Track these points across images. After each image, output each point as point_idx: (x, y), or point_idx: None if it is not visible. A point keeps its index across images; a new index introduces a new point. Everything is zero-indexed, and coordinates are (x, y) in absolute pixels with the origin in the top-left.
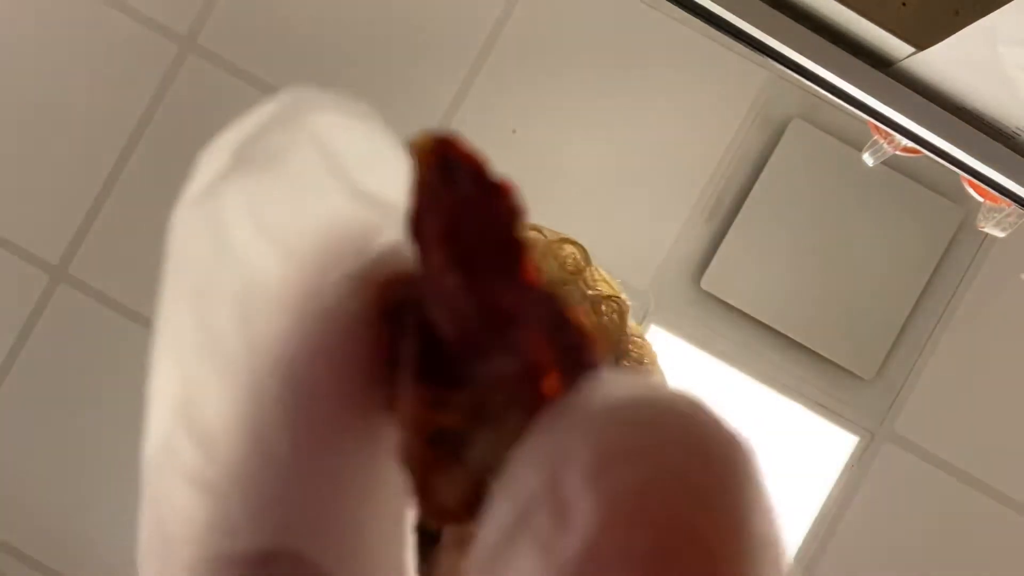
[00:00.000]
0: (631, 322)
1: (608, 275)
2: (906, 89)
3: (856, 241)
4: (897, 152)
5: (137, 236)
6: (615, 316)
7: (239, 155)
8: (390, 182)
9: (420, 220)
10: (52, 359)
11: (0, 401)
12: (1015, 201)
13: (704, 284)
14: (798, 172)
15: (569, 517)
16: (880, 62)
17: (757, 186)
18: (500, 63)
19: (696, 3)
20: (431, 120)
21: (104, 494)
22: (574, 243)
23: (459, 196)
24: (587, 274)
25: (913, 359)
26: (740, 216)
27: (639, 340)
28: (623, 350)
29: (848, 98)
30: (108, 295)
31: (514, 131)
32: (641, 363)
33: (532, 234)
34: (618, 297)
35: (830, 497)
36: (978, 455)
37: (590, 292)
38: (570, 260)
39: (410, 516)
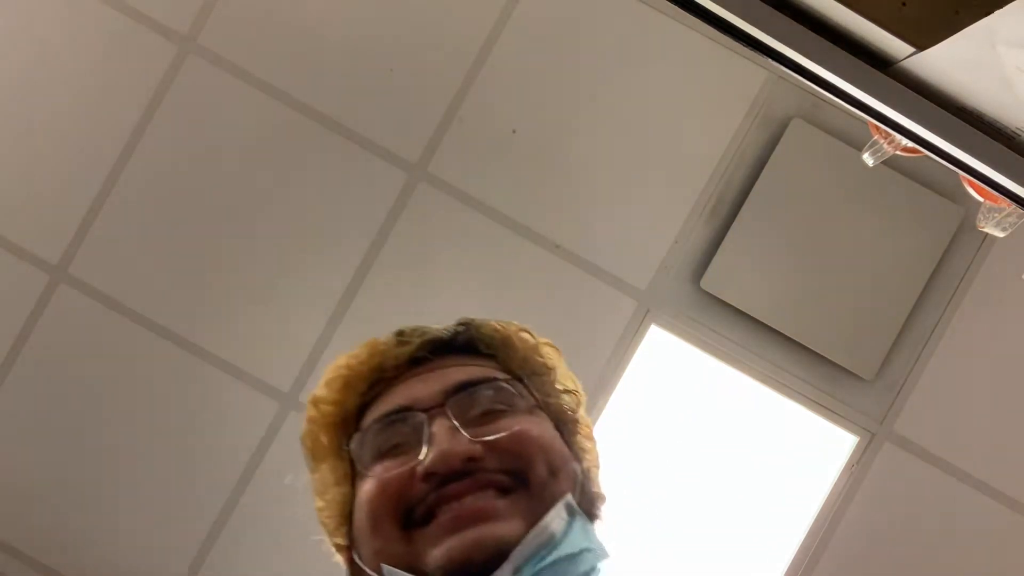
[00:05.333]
0: (582, 411)
1: (571, 373)
2: (906, 89)
3: (856, 241)
4: (897, 152)
5: (137, 236)
6: (573, 405)
7: None
8: None
9: None
10: (52, 359)
11: (0, 401)
12: (1015, 201)
13: (704, 284)
14: (798, 172)
15: None
16: (880, 62)
17: (757, 186)
18: (500, 63)
19: (696, 3)
20: (432, 120)
21: (104, 494)
22: (552, 346)
23: None
24: (559, 371)
25: (913, 359)
26: (740, 216)
27: (586, 428)
28: (573, 431)
29: (848, 98)
30: (108, 295)
31: (514, 131)
32: (589, 440)
33: (524, 335)
34: (577, 391)
35: (830, 497)
36: (978, 455)
37: (558, 385)
38: (549, 359)
39: None
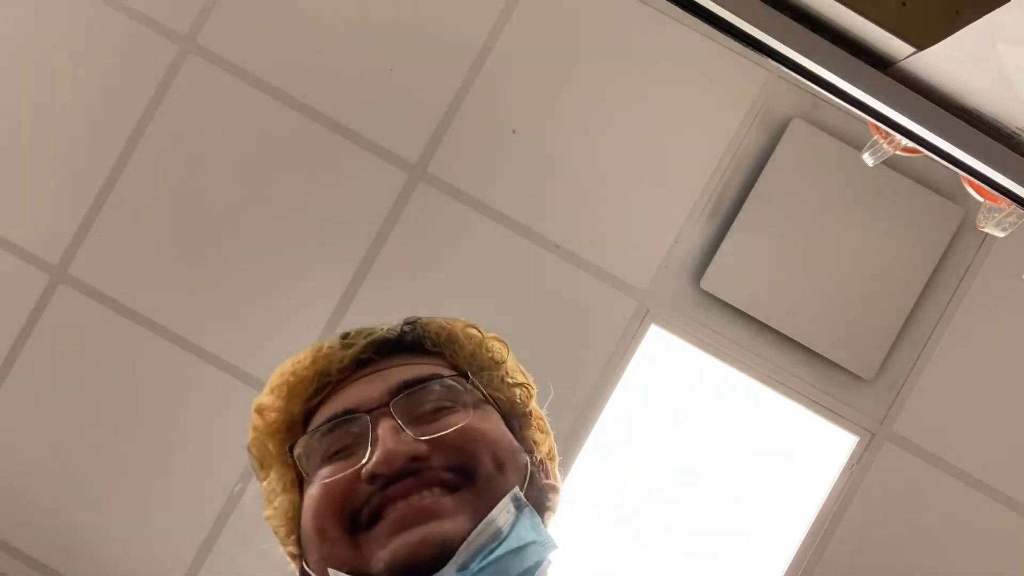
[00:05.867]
0: (534, 404)
1: (521, 366)
2: (906, 89)
3: (856, 241)
4: (897, 152)
5: (137, 236)
6: (524, 398)
7: None
8: None
9: None
10: (52, 359)
11: (0, 401)
12: (1015, 201)
13: (704, 284)
14: (798, 172)
15: None
16: (880, 62)
17: (757, 186)
18: (500, 63)
19: (696, 3)
20: (432, 120)
21: (104, 494)
22: (500, 340)
23: None
24: (508, 364)
25: (913, 359)
26: (740, 216)
27: (539, 420)
28: (525, 424)
29: (848, 98)
30: (108, 295)
31: (514, 131)
32: (542, 432)
33: (470, 330)
34: (528, 384)
35: (830, 497)
36: (978, 455)
37: (508, 379)
38: (497, 353)
39: None
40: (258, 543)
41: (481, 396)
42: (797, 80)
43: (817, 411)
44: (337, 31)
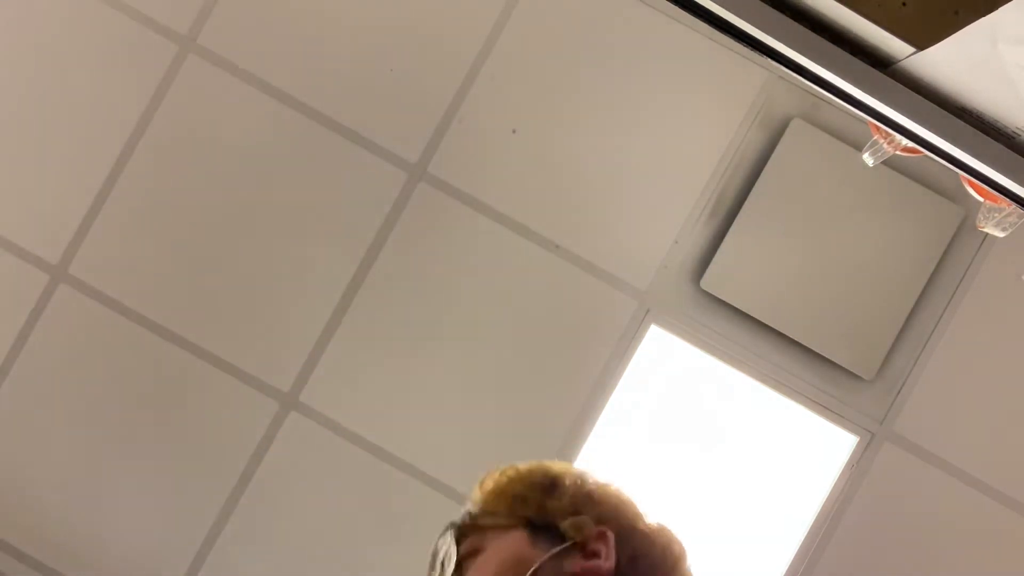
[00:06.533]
0: (544, 503)
1: (499, 488)
2: (906, 89)
3: (856, 241)
4: (897, 152)
5: (137, 236)
6: (517, 512)
7: None
8: None
9: None
10: (52, 359)
11: (0, 401)
12: (1015, 201)
13: (704, 284)
14: (798, 172)
15: None
16: (880, 62)
17: (757, 186)
18: (500, 63)
19: (696, 3)
20: (432, 120)
21: (104, 494)
22: (479, 484)
23: None
24: (480, 501)
25: (913, 359)
26: (740, 216)
27: (566, 506)
28: (551, 520)
29: (848, 98)
30: (108, 295)
31: (514, 131)
32: (576, 514)
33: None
34: (500, 511)
35: (830, 497)
36: (978, 455)
37: (488, 509)
38: (475, 503)
39: None
40: (258, 543)
41: (486, 534)
42: (797, 80)
43: (817, 411)
44: (337, 31)
